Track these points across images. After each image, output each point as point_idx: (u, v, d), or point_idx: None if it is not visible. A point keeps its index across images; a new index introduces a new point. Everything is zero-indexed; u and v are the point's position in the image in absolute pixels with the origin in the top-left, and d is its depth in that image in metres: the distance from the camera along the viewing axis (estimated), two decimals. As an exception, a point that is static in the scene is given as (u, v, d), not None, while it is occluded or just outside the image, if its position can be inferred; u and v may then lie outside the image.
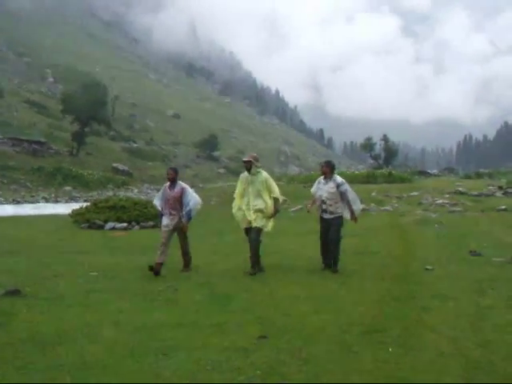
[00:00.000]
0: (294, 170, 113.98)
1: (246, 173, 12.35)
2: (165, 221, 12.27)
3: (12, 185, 70.20)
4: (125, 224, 23.17)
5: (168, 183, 12.46)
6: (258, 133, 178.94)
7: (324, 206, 12.06)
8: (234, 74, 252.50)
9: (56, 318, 8.02)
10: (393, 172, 44.59)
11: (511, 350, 6.40)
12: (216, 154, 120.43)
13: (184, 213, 12.18)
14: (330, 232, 11.89)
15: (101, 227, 23.82)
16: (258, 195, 12.05)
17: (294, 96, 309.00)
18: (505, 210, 22.41)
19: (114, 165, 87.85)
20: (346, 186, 11.99)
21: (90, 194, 69.29)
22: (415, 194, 29.10)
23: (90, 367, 5.95)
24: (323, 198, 12.05)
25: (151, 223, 23.42)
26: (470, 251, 13.01)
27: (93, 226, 23.92)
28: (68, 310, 8.52)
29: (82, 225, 24.27)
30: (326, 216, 12.05)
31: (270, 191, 12.10)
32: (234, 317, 7.71)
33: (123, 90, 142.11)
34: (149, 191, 72.93)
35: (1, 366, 6.10)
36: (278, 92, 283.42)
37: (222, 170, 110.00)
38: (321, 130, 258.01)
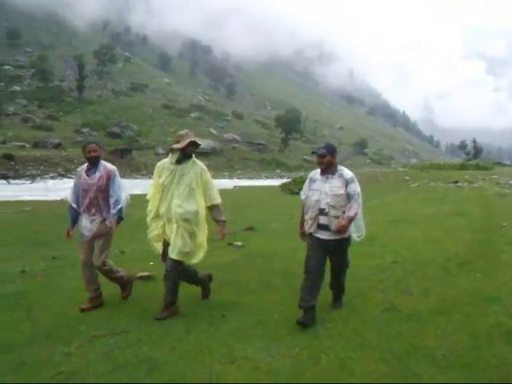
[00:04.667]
0: (413, 161, 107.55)
1: (167, 160, 4.72)
2: (84, 225, 4.78)
3: (247, 168, 72.98)
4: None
5: (85, 165, 4.89)
6: (391, 138, 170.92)
7: (323, 220, 4.40)
8: (376, 101, 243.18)
9: (272, 244, 8.27)
10: (479, 163, 40.93)
11: None
12: (365, 150, 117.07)
13: (114, 211, 4.70)
14: (338, 260, 4.63)
15: (297, 193, 23.90)
16: (188, 195, 4.54)
17: (414, 114, 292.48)
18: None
19: (305, 157, 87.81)
20: (357, 185, 4.47)
21: (290, 174, 70.18)
22: (494, 177, 26.47)
23: (292, 274, 6.08)
24: (322, 206, 4.40)
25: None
26: (533, 214, 11.63)
27: (293, 192, 24.13)
28: (279, 239, 8.72)
29: (286, 192, 24.72)
30: (325, 236, 4.40)
31: (205, 193, 4.64)
32: (376, 249, 7.51)
33: (310, 113, 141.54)
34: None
35: (241, 269, 6.40)
36: (404, 112, 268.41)
37: (368, 161, 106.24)
38: (431, 136, 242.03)
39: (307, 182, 4.67)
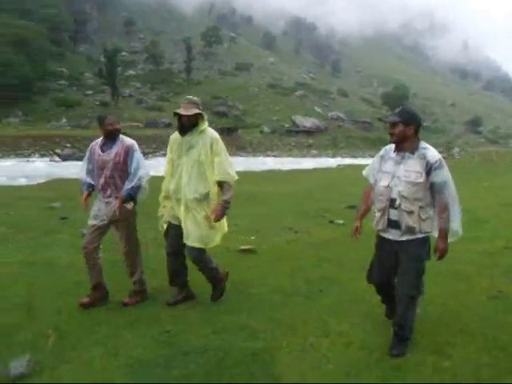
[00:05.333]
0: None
1: (177, 133, 4.06)
2: (99, 207, 4.14)
3: (351, 147, 71.53)
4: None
5: (99, 140, 4.26)
6: (511, 115, 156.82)
7: (393, 214, 3.21)
8: (495, 74, 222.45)
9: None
10: None
11: None
12: (479, 129, 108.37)
13: (125, 188, 4.03)
14: (400, 274, 3.23)
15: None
16: (198, 172, 3.90)
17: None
18: None
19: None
20: (447, 171, 3.18)
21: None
22: None
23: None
24: (393, 196, 3.20)
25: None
26: None
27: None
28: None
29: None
30: (394, 236, 3.25)
31: (217, 166, 3.90)
32: (486, 233, 7.07)
33: (419, 90, 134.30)
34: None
35: (341, 247, 6.32)
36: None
37: (482, 140, 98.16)
38: None
39: (377, 160, 3.47)
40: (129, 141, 4.21)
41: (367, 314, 3.94)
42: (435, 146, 3.62)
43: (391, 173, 3.27)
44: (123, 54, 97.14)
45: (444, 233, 3.18)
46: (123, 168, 4.12)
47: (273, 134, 72.92)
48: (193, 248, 3.94)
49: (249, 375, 3.01)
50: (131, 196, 4.07)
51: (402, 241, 3.24)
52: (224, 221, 4.03)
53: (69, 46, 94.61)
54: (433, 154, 3.21)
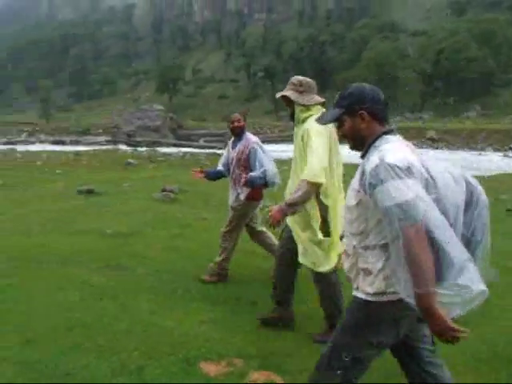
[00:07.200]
0: None
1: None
2: (229, 199, 4.59)
3: None
4: None
5: (232, 139, 4.61)
6: None
7: (345, 260, 1.90)
8: None
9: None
10: None
11: None
12: None
13: (253, 173, 4.23)
14: None
15: None
16: (294, 171, 3.19)
17: None
18: None
19: None
20: (406, 186, 1.50)
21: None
22: None
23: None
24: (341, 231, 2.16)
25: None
26: None
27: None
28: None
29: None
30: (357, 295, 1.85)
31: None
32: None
33: None
34: None
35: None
36: None
37: None
38: None
39: None
40: (252, 139, 4.44)
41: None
42: None
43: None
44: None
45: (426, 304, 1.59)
46: (245, 165, 4.37)
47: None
48: (306, 266, 3.30)
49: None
50: (252, 180, 4.27)
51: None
52: (337, 238, 3.01)
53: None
54: (377, 156, 1.77)
